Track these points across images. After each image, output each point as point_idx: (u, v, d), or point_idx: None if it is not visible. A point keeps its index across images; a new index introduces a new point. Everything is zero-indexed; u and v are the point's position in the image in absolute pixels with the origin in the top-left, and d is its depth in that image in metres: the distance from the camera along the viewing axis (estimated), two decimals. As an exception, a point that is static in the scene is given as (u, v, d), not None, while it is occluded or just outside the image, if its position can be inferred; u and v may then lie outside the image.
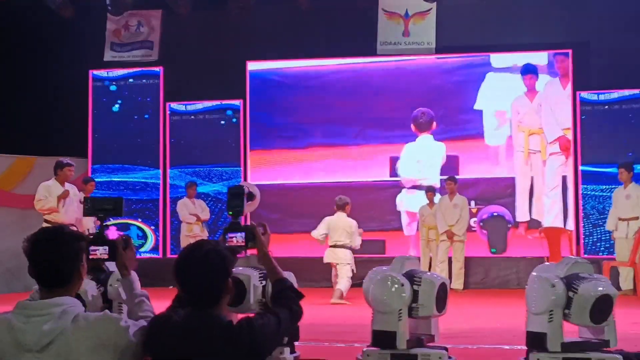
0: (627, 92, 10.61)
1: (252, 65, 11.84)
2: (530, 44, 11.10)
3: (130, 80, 12.03)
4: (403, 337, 3.38)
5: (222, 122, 11.81)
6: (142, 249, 11.58)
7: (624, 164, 9.70)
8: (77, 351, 2.43)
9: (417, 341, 3.49)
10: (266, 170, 11.69)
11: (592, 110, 10.72)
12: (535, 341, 3.38)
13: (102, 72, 12.07)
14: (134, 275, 3.02)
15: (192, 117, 11.92)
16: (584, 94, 10.73)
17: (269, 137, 11.79)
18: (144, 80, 12.00)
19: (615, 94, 10.65)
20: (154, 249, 11.73)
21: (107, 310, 2.85)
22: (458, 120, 11.19)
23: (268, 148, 11.75)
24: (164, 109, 11.89)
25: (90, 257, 2.78)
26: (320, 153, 11.60)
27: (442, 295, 3.46)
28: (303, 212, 11.12)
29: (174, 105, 11.91)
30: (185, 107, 11.93)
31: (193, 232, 10.76)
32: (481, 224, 11.02)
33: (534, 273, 3.56)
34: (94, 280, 3.56)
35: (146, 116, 11.97)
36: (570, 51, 10.91)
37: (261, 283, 3.45)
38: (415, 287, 3.42)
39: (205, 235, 10.77)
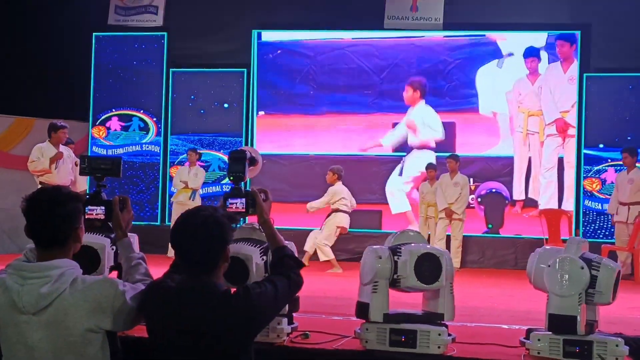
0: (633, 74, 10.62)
1: (257, 34, 11.73)
2: (538, 24, 11.03)
3: (134, 45, 11.90)
4: (379, 309, 3.37)
5: (226, 91, 11.71)
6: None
7: (627, 149, 9.66)
8: (74, 314, 2.40)
9: (407, 316, 3.46)
10: (270, 139, 11.65)
11: (597, 93, 10.73)
12: (561, 324, 3.27)
13: (106, 36, 11.95)
14: (131, 236, 2.97)
15: (196, 84, 11.80)
16: (590, 75, 10.76)
17: (274, 105, 11.74)
18: (147, 46, 11.87)
19: (621, 76, 10.66)
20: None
21: (105, 274, 2.82)
22: (462, 94, 11.27)
23: (274, 116, 11.71)
24: (167, 75, 11.78)
25: (87, 217, 2.72)
26: (325, 124, 11.59)
27: (427, 267, 3.39)
28: (306, 183, 11.14)
29: (178, 72, 11.80)
30: (189, 74, 11.81)
31: (178, 199, 10.61)
32: (479, 199, 11.10)
33: (541, 251, 3.47)
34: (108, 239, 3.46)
35: (149, 82, 11.86)
36: (578, 32, 10.88)
37: (262, 259, 3.32)
38: (396, 257, 3.37)
39: (194, 204, 10.55)
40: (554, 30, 11.00)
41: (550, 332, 3.32)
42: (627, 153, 9.58)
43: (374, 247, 3.47)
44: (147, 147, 11.78)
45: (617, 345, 3.27)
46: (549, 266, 3.32)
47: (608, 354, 3.25)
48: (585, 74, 10.78)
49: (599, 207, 10.57)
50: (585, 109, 10.77)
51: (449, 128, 11.24)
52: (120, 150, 11.81)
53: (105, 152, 11.73)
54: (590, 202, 10.66)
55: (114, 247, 3.28)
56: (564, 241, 7.11)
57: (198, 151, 11.01)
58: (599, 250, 9.02)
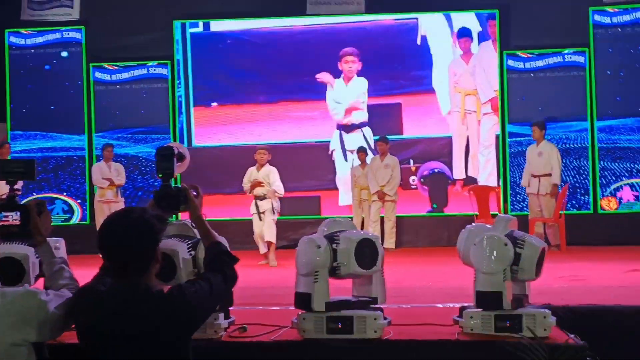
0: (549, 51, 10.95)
1: (179, 24, 11.53)
2: (459, 3, 11.23)
3: (50, 40, 11.51)
4: (321, 298, 3.36)
5: (151, 84, 11.47)
6: (70, 222, 11.32)
7: (536, 122, 10.00)
8: (-3, 329, 2.32)
9: (347, 303, 3.48)
10: (204, 130, 11.55)
11: (517, 71, 11.03)
12: (488, 300, 3.37)
13: (20, 32, 11.51)
14: (56, 241, 2.89)
15: (119, 79, 11.50)
16: (510, 56, 11.03)
17: (201, 97, 11.60)
18: (65, 41, 11.50)
19: (539, 56, 10.98)
20: (82, 221, 11.38)
21: (27, 285, 2.73)
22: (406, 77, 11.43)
23: (203, 107, 11.61)
24: (87, 71, 11.44)
25: (1, 223, 2.60)
26: (257, 113, 11.53)
27: (366, 252, 3.40)
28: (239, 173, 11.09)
29: (98, 67, 11.48)
30: (111, 70, 11.48)
31: (106, 197, 10.34)
32: (422, 180, 11.25)
33: (470, 229, 3.56)
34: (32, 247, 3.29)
35: (68, 80, 11.48)
36: (496, 12, 11.13)
37: (190, 254, 3.27)
38: (334, 245, 3.37)
39: (120, 201, 10.36)
40: (475, 10, 11.20)
41: (481, 309, 3.40)
42: (536, 126, 9.90)
43: (311, 236, 3.46)
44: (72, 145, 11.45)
45: (545, 317, 3.39)
46: (475, 245, 3.40)
47: (537, 326, 3.36)
48: (504, 52, 11.04)
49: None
50: (507, 86, 11.04)
51: (394, 109, 11.33)
52: (48, 150, 11.46)
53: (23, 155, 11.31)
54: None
55: (38, 256, 3.16)
56: (494, 216, 7.31)
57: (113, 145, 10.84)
58: (527, 223, 9.33)
